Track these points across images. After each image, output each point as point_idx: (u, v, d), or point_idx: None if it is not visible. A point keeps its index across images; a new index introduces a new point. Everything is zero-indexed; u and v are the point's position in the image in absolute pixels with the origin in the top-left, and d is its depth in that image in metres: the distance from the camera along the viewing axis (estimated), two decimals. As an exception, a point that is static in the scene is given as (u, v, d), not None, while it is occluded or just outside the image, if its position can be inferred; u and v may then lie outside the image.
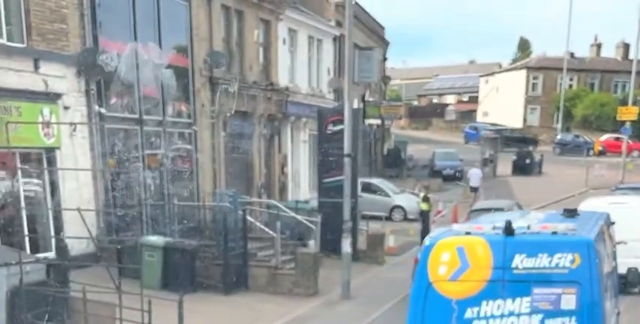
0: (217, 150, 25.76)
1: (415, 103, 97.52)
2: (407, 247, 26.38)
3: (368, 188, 33.78)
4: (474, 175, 38.36)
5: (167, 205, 21.43)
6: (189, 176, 24.36)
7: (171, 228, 20.73)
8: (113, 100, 20.32)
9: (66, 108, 18.12)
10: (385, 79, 48.58)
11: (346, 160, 19.28)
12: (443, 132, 79.85)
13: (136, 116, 21.21)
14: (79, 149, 18.61)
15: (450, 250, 8.02)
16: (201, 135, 24.74)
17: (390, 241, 25.41)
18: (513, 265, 7.78)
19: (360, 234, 24.45)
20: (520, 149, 51.04)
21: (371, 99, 44.59)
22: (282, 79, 30.48)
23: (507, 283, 7.80)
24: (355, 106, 39.97)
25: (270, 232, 21.04)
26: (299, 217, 23.03)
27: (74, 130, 18.25)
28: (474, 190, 37.57)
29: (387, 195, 33.63)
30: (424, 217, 27.66)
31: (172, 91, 22.87)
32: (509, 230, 7.89)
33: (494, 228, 8.03)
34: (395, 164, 46.71)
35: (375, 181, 34.97)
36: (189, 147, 24.26)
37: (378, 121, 46.81)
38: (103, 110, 19.33)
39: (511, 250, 7.81)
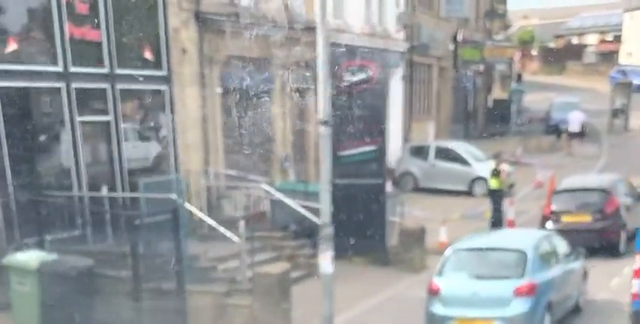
0: (211, 112, 19.17)
1: (552, 45, 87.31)
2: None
3: (443, 154, 26.65)
4: (574, 118, 31.80)
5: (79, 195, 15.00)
6: (160, 153, 18.00)
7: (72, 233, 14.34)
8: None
9: None
10: (491, 14, 40.28)
11: (322, 130, 12.08)
12: (579, 77, 69.88)
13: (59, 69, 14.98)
14: None
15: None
16: (182, 94, 18.18)
17: (442, 235, 18.16)
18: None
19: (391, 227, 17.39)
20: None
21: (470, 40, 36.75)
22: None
23: None
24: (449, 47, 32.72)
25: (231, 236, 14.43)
26: (296, 205, 16.34)
27: None
28: (574, 136, 30.17)
29: (466, 163, 26.12)
30: (494, 198, 20.15)
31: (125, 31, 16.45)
32: None
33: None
34: (502, 119, 38.62)
35: (453, 144, 27.43)
36: (161, 113, 17.84)
37: (479, 67, 38.75)
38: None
39: None
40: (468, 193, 25.56)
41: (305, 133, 22.72)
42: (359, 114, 16.35)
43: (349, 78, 16.74)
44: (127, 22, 16.65)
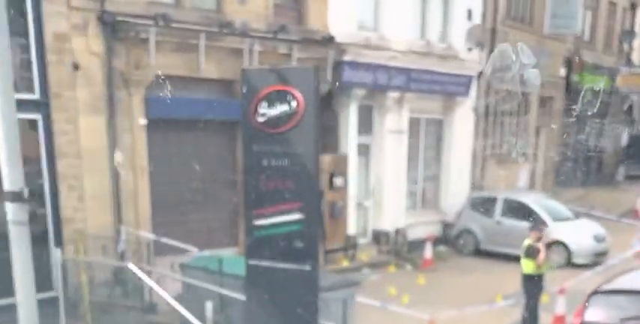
0: (129, 150, 14.05)
1: None
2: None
3: (512, 209, 20.23)
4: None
5: None
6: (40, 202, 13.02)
7: None
8: None
9: None
10: (629, 34, 32.90)
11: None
12: None
13: None
14: None
15: None
16: (72, 125, 13.19)
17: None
18: None
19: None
20: None
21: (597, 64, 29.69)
22: (341, 24, 17.77)
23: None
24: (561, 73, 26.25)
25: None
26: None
27: None
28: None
29: (541, 222, 19.58)
30: (529, 288, 13.62)
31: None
32: None
33: None
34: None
35: (529, 197, 20.82)
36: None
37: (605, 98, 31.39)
38: None
39: None
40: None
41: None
42: (278, 165, 10.67)
43: (264, 111, 11.12)
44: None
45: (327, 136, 18.02)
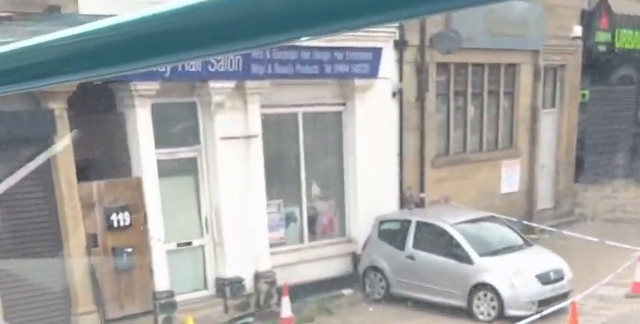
0: None
1: None
2: None
3: (430, 239, 14.08)
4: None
5: None
6: None
7: None
8: None
9: None
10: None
11: None
12: None
13: None
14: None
15: None
16: None
17: None
18: None
19: None
20: None
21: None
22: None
23: None
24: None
25: None
26: None
27: None
28: None
29: (465, 259, 13.37)
30: None
31: None
32: None
33: None
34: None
35: (450, 227, 14.11)
36: None
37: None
38: None
39: None
40: (468, 313, 13.14)
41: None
42: None
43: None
44: None
45: (109, 152, 12.58)
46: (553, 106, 20.11)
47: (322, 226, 15.41)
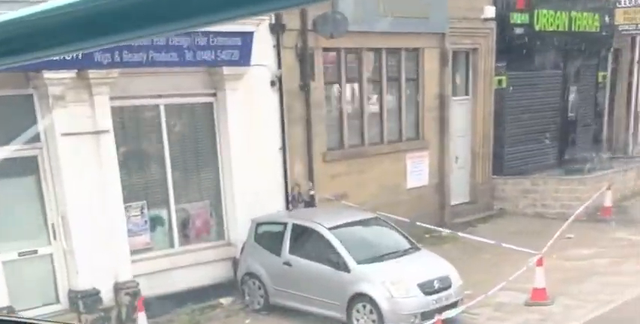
0: None
1: None
2: None
3: (305, 244, 12.75)
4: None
5: None
6: None
7: None
8: None
9: None
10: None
11: None
12: None
13: None
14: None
15: None
16: None
17: None
18: None
19: None
20: None
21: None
22: None
23: None
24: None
25: None
26: None
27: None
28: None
29: (342, 266, 12.00)
30: None
31: None
32: None
33: None
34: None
35: (327, 231, 12.62)
36: None
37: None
38: None
39: None
40: None
41: None
42: None
43: None
44: None
45: None
46: (466, 93, 18.81)
47: (196, 229, 13.97)
